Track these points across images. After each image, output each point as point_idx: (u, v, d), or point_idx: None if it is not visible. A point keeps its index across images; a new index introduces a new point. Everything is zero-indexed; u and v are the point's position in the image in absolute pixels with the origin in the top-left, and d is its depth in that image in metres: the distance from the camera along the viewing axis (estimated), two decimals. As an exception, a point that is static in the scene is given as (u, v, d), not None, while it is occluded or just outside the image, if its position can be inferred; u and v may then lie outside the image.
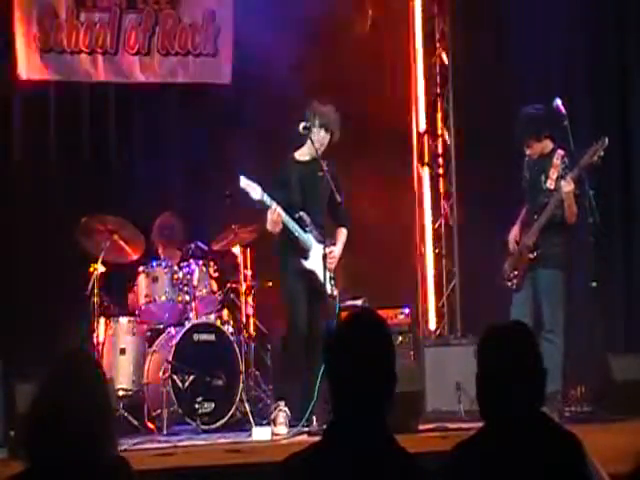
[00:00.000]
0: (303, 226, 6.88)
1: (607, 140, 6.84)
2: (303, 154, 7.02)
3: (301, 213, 6.88)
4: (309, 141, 6.88)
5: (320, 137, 6.89)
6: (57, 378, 2.85)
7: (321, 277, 6.73)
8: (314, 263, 6.84)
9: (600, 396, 7.26)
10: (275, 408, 6.81)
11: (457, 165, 9.50)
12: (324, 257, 6.67)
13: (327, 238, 6.85)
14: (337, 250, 6.94)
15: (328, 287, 6.73)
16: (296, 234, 6.83)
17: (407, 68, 9.59)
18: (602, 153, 6.82)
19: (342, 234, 7.05)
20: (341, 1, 9.12)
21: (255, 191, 6.75)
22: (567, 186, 6.85)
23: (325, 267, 6.62)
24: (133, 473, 2.93)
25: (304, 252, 6.86)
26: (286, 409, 6.72)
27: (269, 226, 6.86)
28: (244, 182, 6.78)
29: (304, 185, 6.92)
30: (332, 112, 6.96)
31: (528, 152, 7.16)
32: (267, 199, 6.75)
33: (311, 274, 6.84)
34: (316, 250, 6.84)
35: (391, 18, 9.34)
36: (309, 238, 6.87)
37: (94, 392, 2.84)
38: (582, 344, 7.55)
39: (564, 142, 6.98)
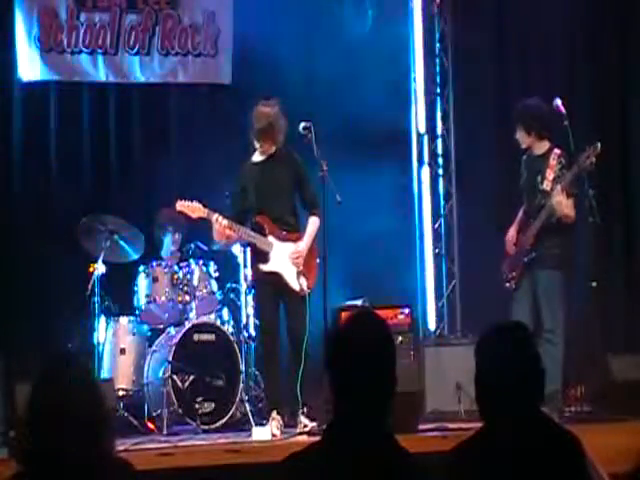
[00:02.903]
0: (260, 230, 6.86)
1: (599, 145, 6.79)
2: (256, 156, 7.01)
3: (257, 218, 6.86)
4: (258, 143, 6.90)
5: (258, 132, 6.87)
6: (46, 381, 2.85)
7: (285, 276, 6.78)
8: (276, 264, 6.82)
9: (600, 396, 7.26)
10: (268, 415, 6.81)
11: (457, 165, 9.49)
12: (289, 255, 6.76)
13: (296, 232, 6.84)
14: (302, 245, 6.83)
15: (296, 284, 6.75)
16: (251, 239, 6.83)
17: (407, 68, 9.58)
18: (594, 159, 6.78)
19: (311, 223, 6.89)
20: (341, 1, 9.12)
21: (195, 210, 6.81)
22: (556, 196, 6.82)
23: (297, 263, 6.72)
24: (136, 474, 2.93)
25: (264, 256, 6.84)
26: (278, 417, 6.70)
27: (216, 237, 6.92)
28: (180, 205, 6.86)
29: (261, 186, 6.85)
30: (262, 107, 6.89)
31: (516, 137, 7.10)
32: (208, 213, 6.77)
33: (275, 276, 6.82)
34: (278, 251, 6.83)
35: (391, 18, 9.33)
36: (267, 241, 6.83)
37: (85, 393, 2.84)
38: (582, 344, 7.54)
39: (564, 142, 6.96)
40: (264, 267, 6.84)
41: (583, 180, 6.88)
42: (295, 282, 6.79)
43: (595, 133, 8.49)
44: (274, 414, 6.71)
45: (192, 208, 6.84)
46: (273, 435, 6.52)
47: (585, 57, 9.07)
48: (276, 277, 6.80)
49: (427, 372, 7.73)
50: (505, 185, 8.20)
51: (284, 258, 6.80)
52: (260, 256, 6.86)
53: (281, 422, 6.69)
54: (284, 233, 6.86)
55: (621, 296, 8.67)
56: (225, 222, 6.74)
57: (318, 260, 6.80)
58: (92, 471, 2.78)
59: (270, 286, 6.84)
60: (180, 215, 7.45)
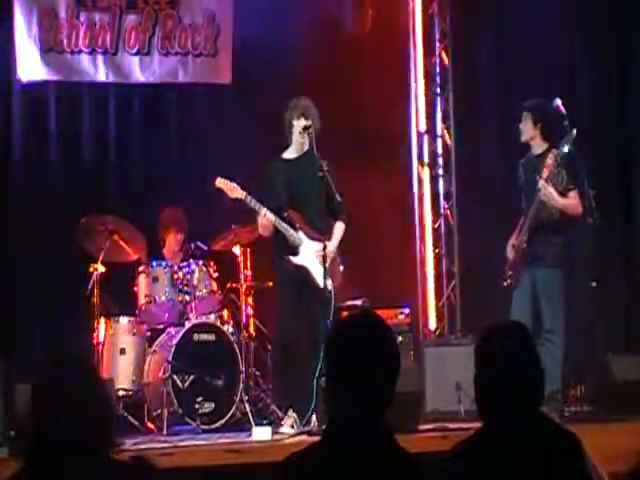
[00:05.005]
0: (292, 224, 6.88)
1: (575, 132, 6.83)
2: (290, 152, 7.03)
3: (289, 212, 6.87)
4: (294, 139, 6.91)
5: (301, 126, 6.86)
6: (47, 381, 2.85)
7: (313, 273, 6.78)
8: (305, 259, 6.85)
9: (600, 396, 7.26)
10: (283, 413, 6.80)
11: (457, 165, 9.49)
12: (317, 253, 6.72)
13: (322, 233, 6.78)
14: (331, 245, 6.83)
15: (321, 281, 6.71)
16: (284, 232, 6.83)
17: (407, 68, 9.58)
18: (571, 146, 6.83)
19: (337, 228, 6.97)
20: (341, 1, 9.13)
21: (233, 191, 6.80)
22: (542, 189, 6.87)
23: (324, 262, 6.60)
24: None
25: (294, 249, 6.86)
26: (294, 415, 6.70)
27: (260, 230, 6.93)
28: (220, 181, 6.85)
29: (292, 183, 6.89)
30: (307, 101, 6.93)
31: (520, 126, 7.15)
32: (252, 201, 6.79)
33: (303, 270, 6.84)
34: (307, 247, 6.85)
35: (391, 18, 9.33)
36: (298, 235, 6.86)
37: (86, 392, 2.83)
38: (582, 344, 7.55)
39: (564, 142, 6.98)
40: (295, 260, 6.85)
41: (581, 179, 6.89)
42: (321, 279, 6.72)
43: (595, 133, 8.51)
44: (290, 412, 6.71)
45: (231, 188, 6.83)
46: (275, 433, 6.52)
47: (585, 57, 9.07)
48: (303, 273, 6.82)
49: (427, 372, 7.74)
50: (505, 185, 8.20)
51: (312, 255, 6.82)
52: (290, 249, 6.86)
53: (297, 420, 6.68)
54: (313, 231, 6.86)
55: (621, 296, 8.67)
56: (272, 217, 6.77)
57: (341, 268, 6.91)
58: (93, 471, 2.78)
59: (294, 286, 6.82)
60: (178, 212, 7.41)
